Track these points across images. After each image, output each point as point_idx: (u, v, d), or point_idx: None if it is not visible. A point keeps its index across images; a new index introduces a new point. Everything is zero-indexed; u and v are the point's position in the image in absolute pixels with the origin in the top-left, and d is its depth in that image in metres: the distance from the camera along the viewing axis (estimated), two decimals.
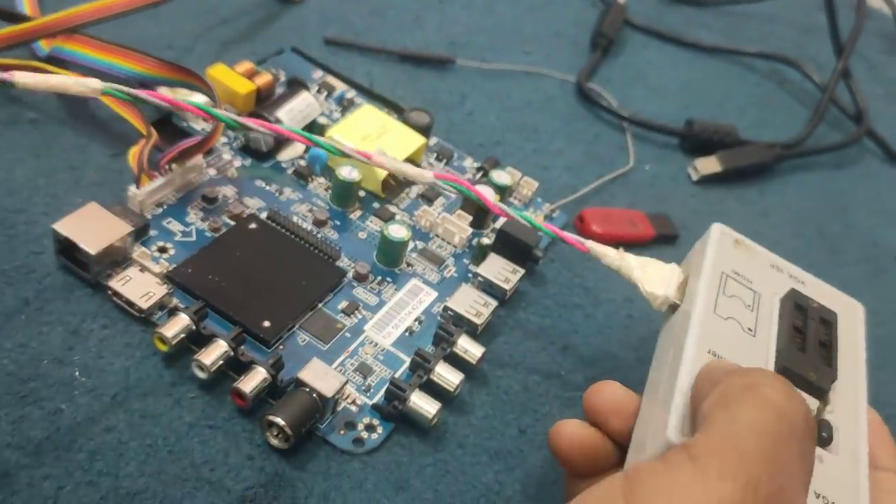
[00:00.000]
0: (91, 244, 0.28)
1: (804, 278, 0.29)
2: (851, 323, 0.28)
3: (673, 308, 0.27)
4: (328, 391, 0.26)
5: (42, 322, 0.27)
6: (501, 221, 0.34)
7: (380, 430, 0.28)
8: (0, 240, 0.29)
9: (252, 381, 0.26)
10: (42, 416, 0.25)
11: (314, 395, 0.26)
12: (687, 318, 0.25)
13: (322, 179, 0.35)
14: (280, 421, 0.25)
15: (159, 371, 0.27)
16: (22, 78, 0.24)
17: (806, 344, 0.26)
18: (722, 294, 0.26)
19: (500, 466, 0.28)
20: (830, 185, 0.46)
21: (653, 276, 0.28)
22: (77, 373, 0.26)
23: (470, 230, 0.34)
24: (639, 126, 0.44)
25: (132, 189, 0.31)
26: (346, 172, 0.33)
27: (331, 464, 0.26)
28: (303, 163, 0.35)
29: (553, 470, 0.28)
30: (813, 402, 0.24)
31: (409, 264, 0.33)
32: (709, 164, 0.43)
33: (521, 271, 0.33)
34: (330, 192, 0.34)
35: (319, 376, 0.26)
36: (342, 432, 0.27)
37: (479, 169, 0.38)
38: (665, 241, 0.38)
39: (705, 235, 0.29)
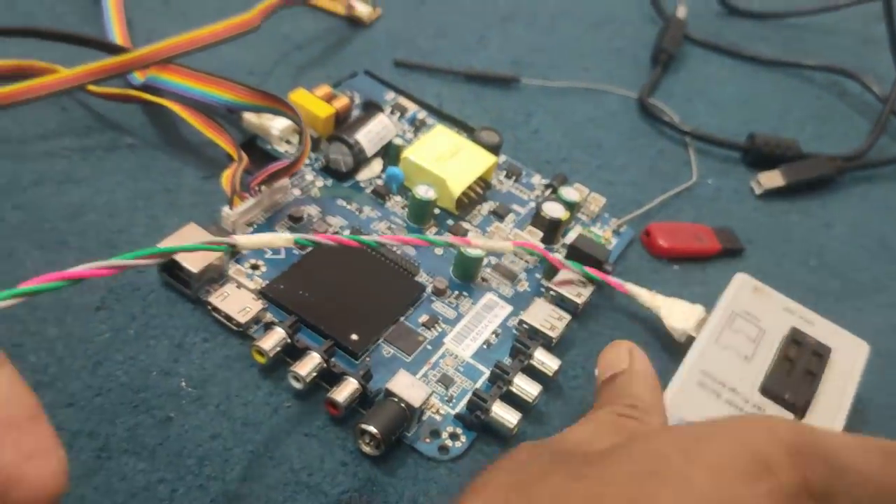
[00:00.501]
0: (193, 263, 0.30)
1: (813, 319, 0.34)
2: (849, 358, 0.32)
3: (690, 340, 0.33)
4: (416, 401, 0.28)
5: (149, 336, 0.29)
6: (571, 237, 0.35)
7: (463, 438, 0.29)
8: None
9: (344, 392, 0.28)
10: (154, 423, 0.27)
11: (402, 404, 0.28)
12: (691, 343, 0.32)
13: (399, 198, 0.37)
14: (372, 429, 0.27)
15: (257, 382, 0.29)
16: (242, 240, 0.27)
17: (793, 371, 0.31)
18: (728, 328, 0.32)
19: None
20: (893, 197, 0.46)
21: (677, 313, 0.33)
22: (183, 383, 0.28)
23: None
24: (701, 140, 0.45)
25: (226, 210, 0.32)
26: (423, 192, 0.35)
27: (418, 470, 0.28)
28: (380, 182, 0.37)
29: None
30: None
31: (483, 279, 0.34)
32: (772, 178, 0.43)
33: (592, 286, 0.34)
34: (407, 210, 0.36)
35: (407, 387, 0.28)
36: (428, 440, 0.29)
37: (547, 186, 0.39)
38: (731, 254, 0.39)
39: (729, 283, 0.34)
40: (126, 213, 0.33)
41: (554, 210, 0.36)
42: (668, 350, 0.33)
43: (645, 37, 0.52)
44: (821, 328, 0.33)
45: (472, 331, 0.32)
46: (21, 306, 0.29)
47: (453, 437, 0.29)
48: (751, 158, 0.45)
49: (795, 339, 0.32)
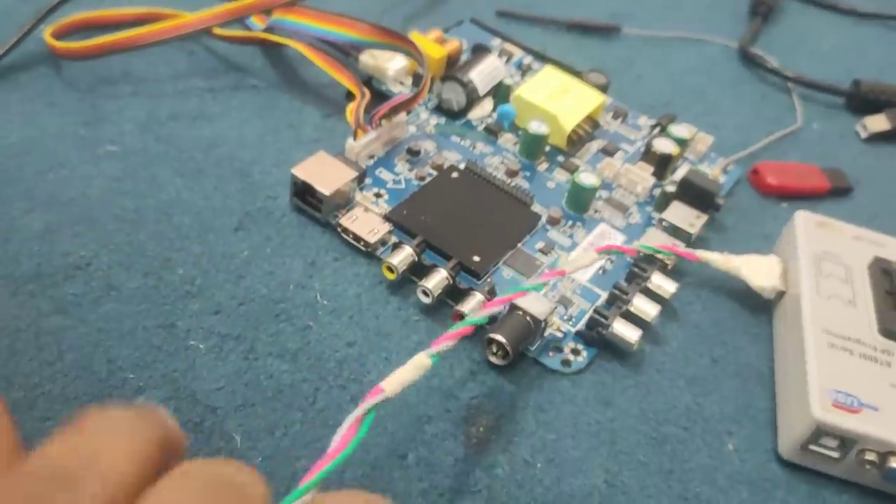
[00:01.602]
0: (325, 186, 0.31)
1: (884, 241, 0.33)
2: None
3: (780, 294, 0.32)
4: (540, 314, 0.29)
5: (284, 254, 0.31)
6: (680, 175, 0.36)
7: (584, 354, 0.30)
8: (241, 186, 0.33)
9: (471, 304, 0.29)
10: (294, 331, 0.29)
11: (527, 317, 0.29)
12: (797, 302, 0.31)
13: (510, 135, 0.38)
14: (500, 338, 0.28)
15: (386, 297, 0.30)
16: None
17: None
18: (820, 276, 0.31)
19: (697, 390, 0.30)
20: None
21: (757, 270, 0.32)
22: (318, 296, 0.30)
23: (652, 179, 0.36)
24: (805, 86, 0.45)
25: (350, 142, 0.34)
26: (536, 126, 0.36)
27: (543, 382, 0.29)
28: (491, 120, 0.38)
29: (747, 395, 0.30)
30: None
31: (595, 211, 0.35)
32: (878, 122, 0.43)
33: (705, 217, 0.35)
34: (518, 146, 0.37)
35: (531, 301, 0.29)
36: (551, 354, 0.30)
37: (654, 126, 0.40)
38: (840, 193, 0.39)
39: (790, 223, 0.34)
40: (256, 146, 0.35)
41: (664, 146, 0.36)
42: (756, 308, 0.33)
43: None
44: (893, 248, 0.33)
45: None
46: (166, 225, 0.31)
47: (574, 352, 0.30)
48: (856, 104, 0.44)
49: (883, 269, 0.31)
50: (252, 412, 0.26)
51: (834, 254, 0.32)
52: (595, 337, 0.30)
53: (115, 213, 0.31)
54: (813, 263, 0.31)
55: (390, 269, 0.30)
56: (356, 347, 0.29)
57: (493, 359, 0.29)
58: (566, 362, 0.30)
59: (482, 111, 0.38)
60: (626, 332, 0.30)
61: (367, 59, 0.38)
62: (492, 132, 0.37)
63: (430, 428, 0.27)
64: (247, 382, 0.27)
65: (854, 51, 0.50)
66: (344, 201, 0.32)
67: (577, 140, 0.38)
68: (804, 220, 0.33)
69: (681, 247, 0.33)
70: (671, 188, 0.35)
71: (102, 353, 0.27)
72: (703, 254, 0.32)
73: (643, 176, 0.36)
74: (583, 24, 0.46)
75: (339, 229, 0.32)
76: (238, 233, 0.32)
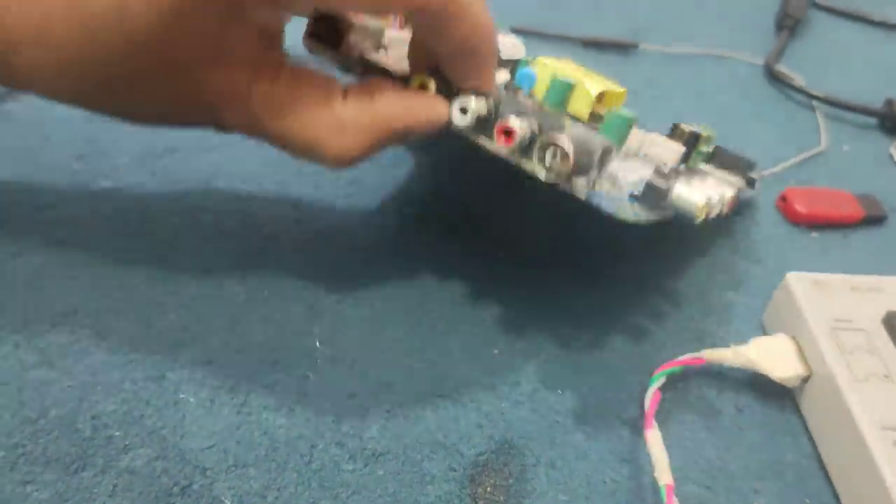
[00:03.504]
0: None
1: (882, 285, 0.31)
2: None
3: (805, 379, 0.29)
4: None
5: (283, 297, 0.30)
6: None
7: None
8: (239, 223, 0.32)
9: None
10: (291, 381, 0.27)
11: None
12: (835, 394, 0.27)
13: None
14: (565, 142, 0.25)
15: (389, 343, 0.29)
16: None
17: None
18: (845, 352, 0.28)
19: (719, 443, 0.28)
20: None
21: (773, 358, 0.29)
22: (317, 342, 0.28)
23: (682, 149, 0.33)
24: (834, 106, 0.43)
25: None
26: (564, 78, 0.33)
27: (555, 435, 0.27)
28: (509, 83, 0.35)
29: (774, 448, 0.28)
30: None
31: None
32: None
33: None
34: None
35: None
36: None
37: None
38: (874, 222, 0.37)
39: (783, 287, 0.31)
40: (255, 180, 0.34)
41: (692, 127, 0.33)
42: (778, 399, 0.30)
43: (767, 2, 0.50)
44: (891, 289, 0.31)
45: None
46: (159, 266, 0.30)
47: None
48: (889, 124, 0.42)
49: None
50: (244, 473, 0.25)
51: (845, 319, 0.29)
52: (654, 198, 0.26)
53: (107, 255, 0.30)
54: (831, 338, 0.29)
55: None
56: (356, 399, 0.27)
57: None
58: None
59: (499, 78, 0.36)
60: (690, 195, 0.26)
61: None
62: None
63: (434, 489, 0.25)
64: (239, 440, 0.25)
65: (887, 66, 0.48)
66: (373, 42, 0.28)
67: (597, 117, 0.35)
68: (800, 286, 0.31)
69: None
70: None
71: (87, 409, 0.25)
72: (710, 354, 0.30)
73: (671, 147, 0.32)
74: (598, 41, 0.44)
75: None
76: (235, 274, 0.30)
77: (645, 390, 0.28)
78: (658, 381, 0.29)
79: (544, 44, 0.44)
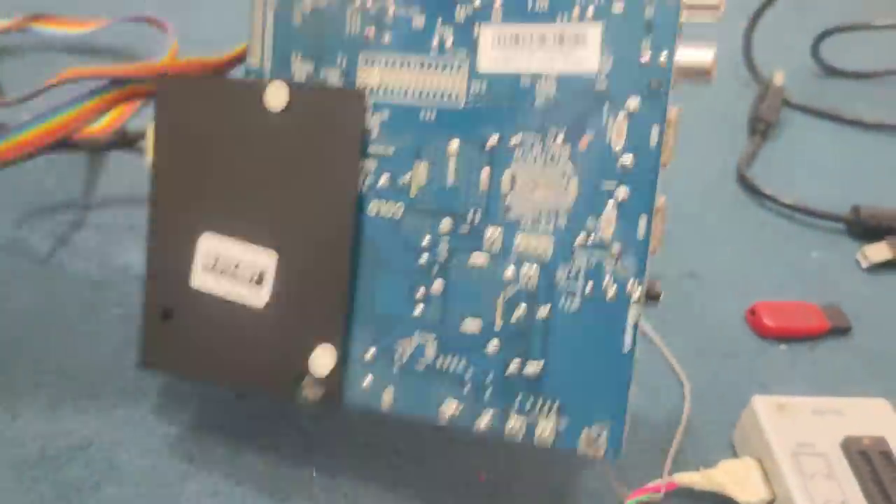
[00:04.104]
0: None
1: (842, 407, 0.33)
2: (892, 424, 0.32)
3: (770, 502, 0.31)
4: None
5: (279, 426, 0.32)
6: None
7: None
8: None
9: None
10: None
11: None
12: None
13: None
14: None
15: None
16: None
17: (888, 490, 0.30)
18: (805, 477, 0.30)
19: None
20: None
21: (741, 483, 0.31)
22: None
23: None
24: (803, 213, 0.45)
25: None
26: None
27: None
28: None
29: None
30: None
31: None
32: (879, 251, 0.43)
33: None
34: None
35: None
36: None
37: None
38: (839, 332, 0.39)
39: (750, 410, 0.33)
40: None
41: None
42: None
43: (740, 103, 0.53)
44: (851, 413, 0.32)
45: None
46: (168, 395, 0.32)
47: None
48: (857, 231, 0.45)
49: (858, 450, 0.31)
50: None
51: (807, 443, 0.31)
52: None
53: (118, 385, 0.32)
54: (793, 463, 0.31)
55: None
56: None
57: None
58: None
59: None
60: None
61: None
62: None
63: None
64: None
65: (858, 166, 0.50)
66: None
67: None
68: (765, 408, 0.33)
69: None
70: None
71: None
72: (681, 478, 0.31)
73: None
74: None
75: None
76: (238, 399, 0.32)
77: None
78: None
79: None
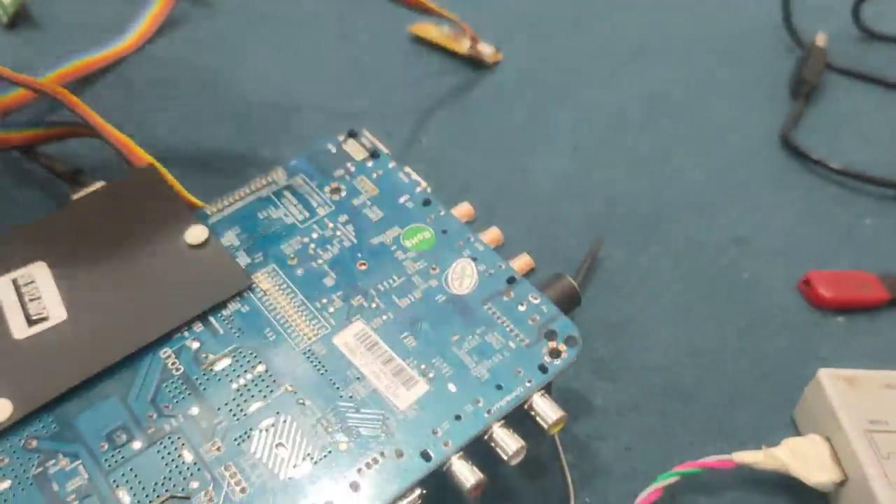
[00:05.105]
0: None
1: None
2: None
3: (841, 483, 0.28)
4: None
5: None
6: None
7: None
8: None
9: None
10: None
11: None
12: (874, 502, 0.26)
13: None
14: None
15: None
16: None
17: None
18: (880, 456, 0.27)
19: None
20: None
21: (807, 460, 0.28)
22: None
23: None
24: (853, 179, 0.42)
25: None
26: None
27: None
28: None
29: None
30: None
31: None
32: None
33: None
34: None
35: None
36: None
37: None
38: None
39: (815, 385, 0.30)
40: None
41: None
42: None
43: (781, 66, 0.49)
44: None
45: None
46: None
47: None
48: None
49: None
50: None
51: (880, 420, 0.29)
52: None
53: None
54: (866, 442, 0.28)
55: None
56: None
57: None
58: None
59: None
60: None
61: None
62: None
63: None
64: None
65: None
66: None
67: None
68: (833, 383, 0.30)
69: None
70: None
71: None
72: (741, 456, 0.29)
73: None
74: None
75: None
76: None
77: None
78: (665, 480, 0.28)
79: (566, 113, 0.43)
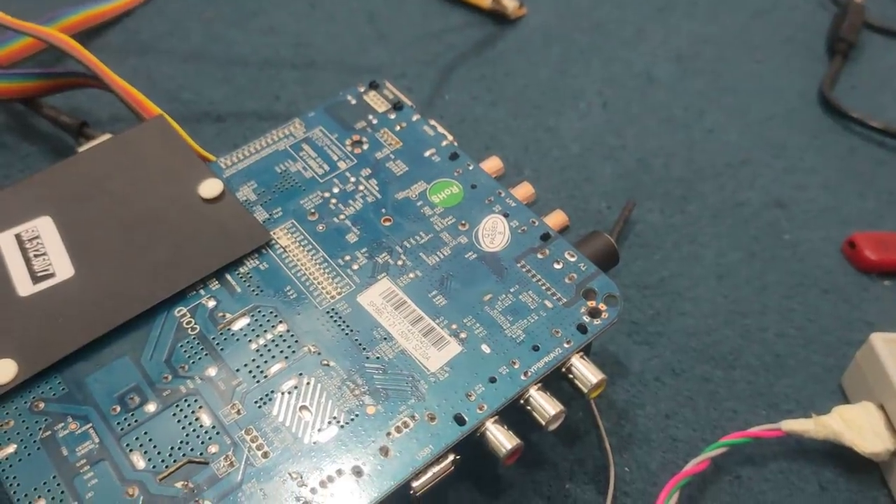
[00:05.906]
0: None
1: None
2: None
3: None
4: None
5: None
6: None
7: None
8: None
9: None
10: None
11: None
12: None
13: None
14: None
15: None
16: None
17: None
18: None
19: None
20: None
21: (860, 429, 0.27)
22: None
23: None
24: (894, 138, 0.40)
25: None
26: None
27: None
28: None
29: None
30: None
31: None
32: None
33: None
34: None
35: None
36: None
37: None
38: None
39: (867, 350, 0.28)
40: None
41: None
42: (864, 474, 0.28)
43: (816, 24, 0.47)
44: None
45: None
46: None
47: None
48: None
49: None
50: None
51: None
52: None
53: None
54: None
55: None
56: None
57: None
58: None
59: None
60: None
61: None
62: None
63: None
64: None
65: None
66: None
67: None
68: (887, 347, 0.28)
69: None
70: None
71: None
72: (789, 425, 0.27)
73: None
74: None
75: None
76: None
77: None
78: (712, 451, 0.26)
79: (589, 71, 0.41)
